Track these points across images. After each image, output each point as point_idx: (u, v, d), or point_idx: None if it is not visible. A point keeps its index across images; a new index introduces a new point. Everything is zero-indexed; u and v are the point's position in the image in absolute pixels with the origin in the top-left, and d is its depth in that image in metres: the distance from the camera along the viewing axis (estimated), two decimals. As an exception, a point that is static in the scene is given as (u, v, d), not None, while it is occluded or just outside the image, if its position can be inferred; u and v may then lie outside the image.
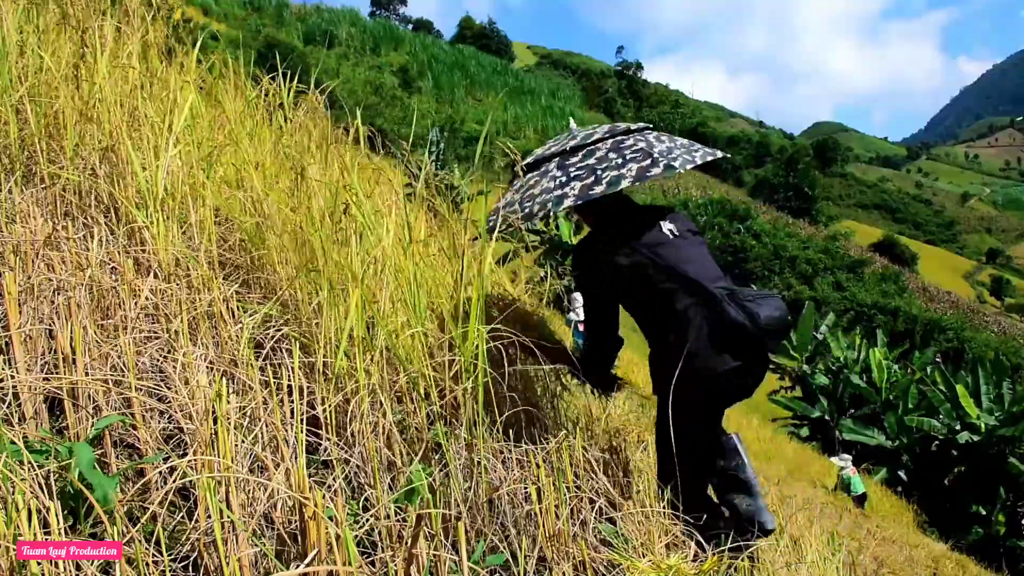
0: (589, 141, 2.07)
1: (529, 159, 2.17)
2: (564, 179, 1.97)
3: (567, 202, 1.89)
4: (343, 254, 1.80)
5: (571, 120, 2.47)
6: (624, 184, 1.89)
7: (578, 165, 1.99)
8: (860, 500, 9.28)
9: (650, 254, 1.96)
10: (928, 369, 15.00)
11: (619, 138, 2.07)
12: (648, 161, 1.93)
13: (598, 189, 1.89)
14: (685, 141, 2.14)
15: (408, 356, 1.78)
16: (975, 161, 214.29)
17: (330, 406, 1.61)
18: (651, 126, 2.22)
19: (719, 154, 2.15)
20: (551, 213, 1.91)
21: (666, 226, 2.05)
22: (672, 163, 1.94)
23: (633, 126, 2.16)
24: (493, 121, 50.46)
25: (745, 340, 1.84)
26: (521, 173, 2.14)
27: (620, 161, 1.95)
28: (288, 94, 2.40)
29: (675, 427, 1.85)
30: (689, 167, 2.00)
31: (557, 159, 2.07)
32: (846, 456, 10.48)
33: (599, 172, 1.93)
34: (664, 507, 2.00)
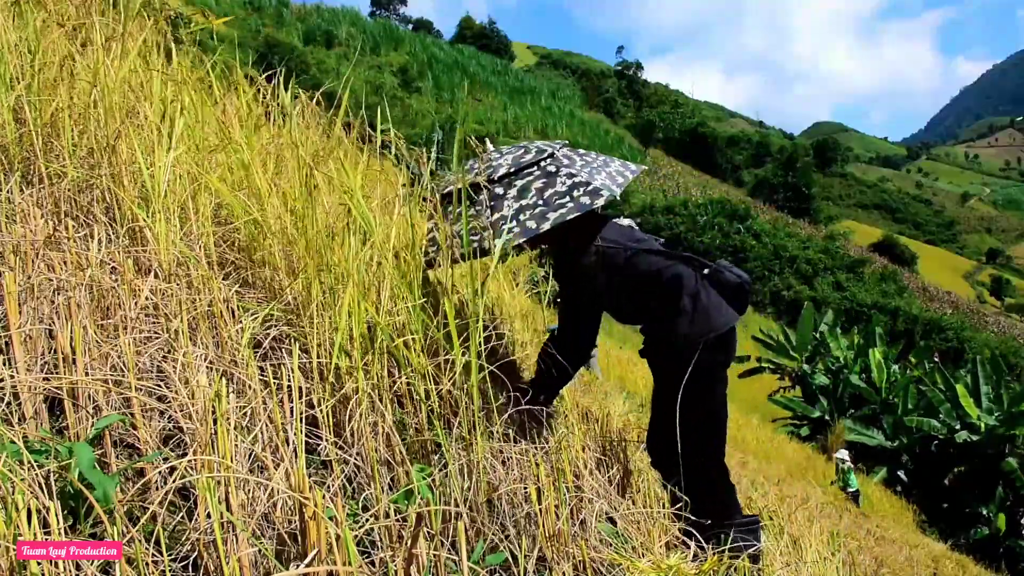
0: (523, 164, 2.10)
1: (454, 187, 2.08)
2: (538, 202, 1.99)
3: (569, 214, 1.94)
4: (341, 254, 1.80)
5: (488, 143, 2.43)
6: (603, 199, 1.99)
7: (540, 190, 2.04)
8: (855, 497, 9.29)
9: (635, 245, 2.10)
10: (928, 368, 15.01)
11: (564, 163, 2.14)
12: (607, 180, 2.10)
13: (591, 200, 1.97)
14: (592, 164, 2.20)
15: (407, 356, 1.78)
16: (975, 161, 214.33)
17: (327, 407, 1.61)
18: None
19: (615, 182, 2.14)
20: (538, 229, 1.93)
21: (624, 221, 2.21)
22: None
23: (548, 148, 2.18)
24: (493, 121, 50.46)
25: (742, 297, 2.11)
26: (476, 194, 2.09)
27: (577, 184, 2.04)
28: (288, 94, 2.40)
29: (695, 401, 1.99)
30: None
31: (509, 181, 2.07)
32: (845, 451, 10.50)
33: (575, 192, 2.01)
34: (664, 507, 2.00)
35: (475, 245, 1.95)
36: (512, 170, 2.07)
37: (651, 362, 2.16)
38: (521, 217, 1.95)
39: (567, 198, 1.96)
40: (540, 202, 1.97)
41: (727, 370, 2.12)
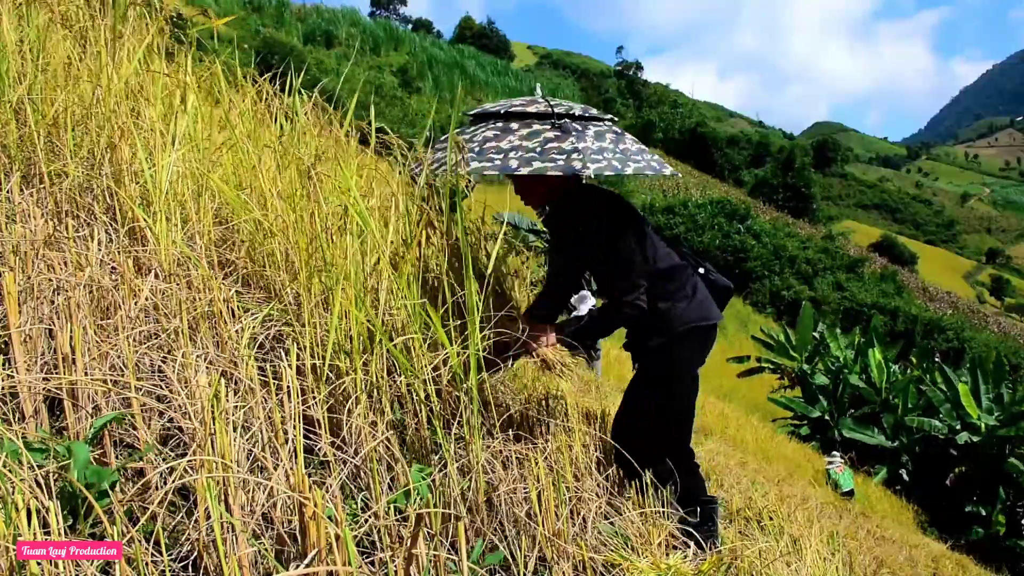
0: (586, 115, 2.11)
1: (511, 107, 2.09)
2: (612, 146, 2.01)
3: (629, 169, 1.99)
4: (339, 255, 1.80)
5: (537, 87, 2.38)
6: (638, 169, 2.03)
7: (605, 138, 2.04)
8: (848, 496, 9.28)
9: (648, 229, 2.16)
10: (928, 368, 14.99)
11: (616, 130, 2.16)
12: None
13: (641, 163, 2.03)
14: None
15: (406, 356, 1.78)
16: (975, 161, 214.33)
17: (321, 406, 1.61)
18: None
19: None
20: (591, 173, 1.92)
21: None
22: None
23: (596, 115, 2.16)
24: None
25: (725, 300, 2.26)
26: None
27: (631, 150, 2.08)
28: (288, 94, 2.40)
29: (678, 382, 2.12)
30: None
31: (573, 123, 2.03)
32: (835, 454, 10.46)
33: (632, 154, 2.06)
34: (663, 507, 2.00)
35: (464, 162, 1.92)
36: (541, 110, 2.04)
37: (640, 351, 2.20)
38: (512, 154, 1.93)
39: (562, 156, 1.92)
40: (538, 149, 1.94)
41: (702, 366, 2.20)
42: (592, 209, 2.11)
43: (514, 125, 2.01)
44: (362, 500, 1.55)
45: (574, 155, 1.90)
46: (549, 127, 1.99)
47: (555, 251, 2.25)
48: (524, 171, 1.87)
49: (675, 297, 2.08)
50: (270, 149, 2.20)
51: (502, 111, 2.06)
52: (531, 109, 2.04)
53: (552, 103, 2.06)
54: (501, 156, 1.91)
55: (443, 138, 2.15)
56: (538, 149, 1.93)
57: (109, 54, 2.16)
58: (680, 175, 2.14)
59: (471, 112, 2.18)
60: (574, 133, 1.98)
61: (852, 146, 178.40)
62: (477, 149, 1.95)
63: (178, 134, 1.95)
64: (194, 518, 1.27)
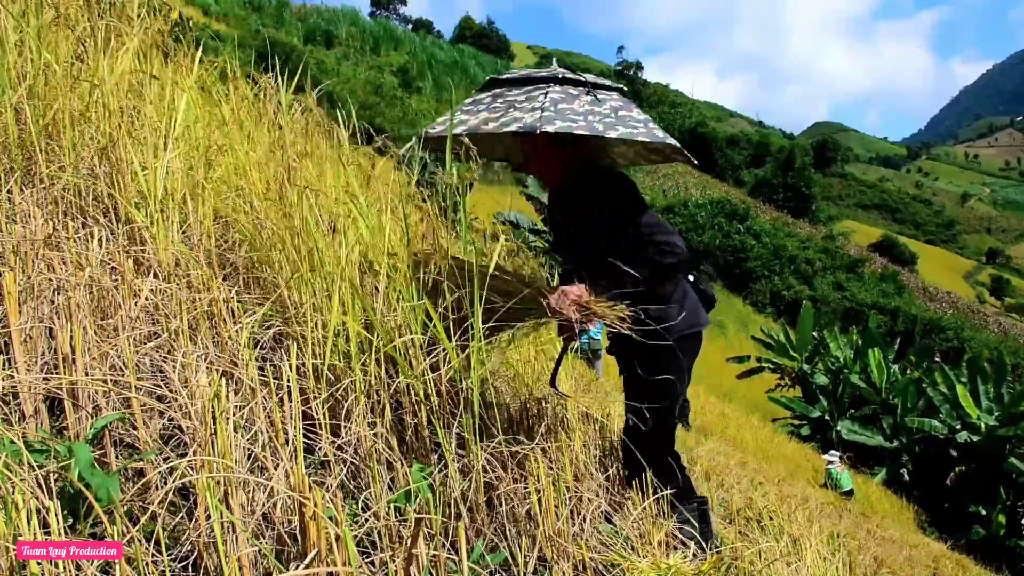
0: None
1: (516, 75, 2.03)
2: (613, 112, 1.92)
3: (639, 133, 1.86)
4: (336, 255, 1.80)
5: (554, 61, 2.33)
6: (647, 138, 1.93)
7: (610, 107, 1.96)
8: (847, 496, 9.27)
9: None
10: (927, 368, 14.99)
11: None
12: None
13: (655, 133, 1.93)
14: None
15: (405, 356, 1.78)
16: (975, 161, 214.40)
17: (323, 405, 1.61)
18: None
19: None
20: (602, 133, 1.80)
21: None
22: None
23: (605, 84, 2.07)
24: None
25: (709, 309, 2.31)
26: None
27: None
28: (287, 94, 2.40)
29: (665, 385, 2.11)
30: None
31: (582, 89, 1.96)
32: (834, 452, 10.47)
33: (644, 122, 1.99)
34: (663, 507, 2.00)
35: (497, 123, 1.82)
36: (553, 76, 1.97)
37: (628, 356, 2.17)
38: (591, 117, 1.83)
39: (640, 123, 1.89)
40: (612, 116, 1.89)
41: (691, 371, 2.23)
42: (607, 185, 2.09)
43: (572, 91, 1.92)
44: (362, 500, 1.55)
45: (650, 123, 1.89)
46: (617, 95, 1.99)
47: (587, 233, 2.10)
48: (612, 135, 1.79)
49: (671, 300, 2.11)
50: (265, 150, 2.20)
51: (559, 75, 1.95)
52: (582, 79, 1.98)
53: (589, 79, 2.00)
54: (582, 117, 1.81)
55: (468, 101, 2.06)
56: (612, 116, 1.87)
57: (109, 53, 2.16)
58: (695, 160, 2.06)
59: (503, 75, 2.06)
60: (635, 105, 1.99)
61: (852, 146, 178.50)
62: (553, 109, 1.80)
63: (176, 134, 1.95)
64: (194, 518, 1.27)
